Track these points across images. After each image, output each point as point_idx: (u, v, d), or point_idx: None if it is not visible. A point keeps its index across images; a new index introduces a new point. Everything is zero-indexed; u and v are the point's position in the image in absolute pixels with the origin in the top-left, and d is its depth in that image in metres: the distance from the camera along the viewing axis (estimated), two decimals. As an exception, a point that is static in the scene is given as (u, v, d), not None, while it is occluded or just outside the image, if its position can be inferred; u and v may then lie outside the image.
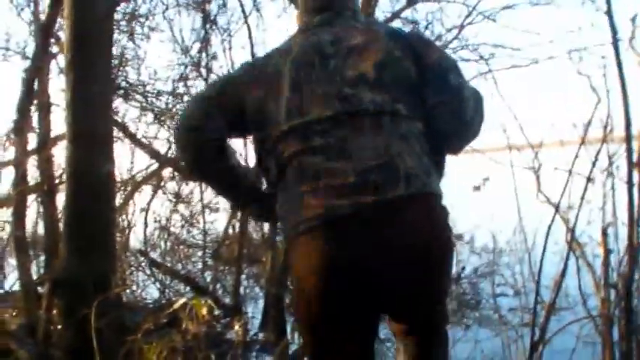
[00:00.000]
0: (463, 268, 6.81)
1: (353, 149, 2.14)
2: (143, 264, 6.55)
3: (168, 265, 6.56)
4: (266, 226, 6.39)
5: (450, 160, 2.41)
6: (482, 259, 7.12)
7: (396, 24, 6.73)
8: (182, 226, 7.15)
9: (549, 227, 3.07)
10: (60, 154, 4.89)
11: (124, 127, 5.89)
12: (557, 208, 3.05)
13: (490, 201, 5.15)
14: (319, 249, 2.07)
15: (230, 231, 6.70)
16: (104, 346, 3.44)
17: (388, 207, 2.07)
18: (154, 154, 6.08)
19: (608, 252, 3.23)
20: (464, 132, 2.41)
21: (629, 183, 3.13)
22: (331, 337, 2.17)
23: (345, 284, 2.07)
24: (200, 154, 2.34)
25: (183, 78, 6.93)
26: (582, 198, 3.15)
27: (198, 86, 6.90)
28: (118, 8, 6.57)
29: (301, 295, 2.17)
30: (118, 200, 6.44)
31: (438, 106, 2.28)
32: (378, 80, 2.23)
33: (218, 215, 7.41)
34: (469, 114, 2.34)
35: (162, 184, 6.78)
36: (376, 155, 2.13)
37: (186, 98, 6.76)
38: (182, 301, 3.80)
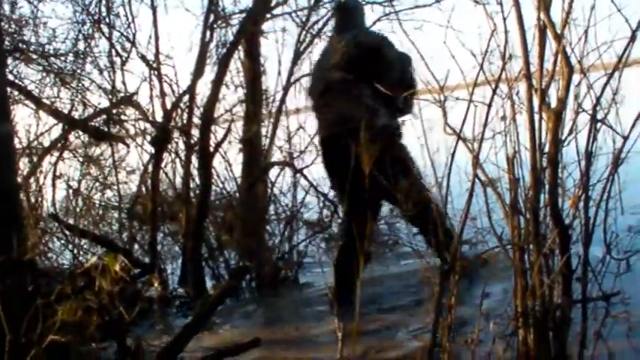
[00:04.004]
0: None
1: (330, 104, 4.98)
2: (57, 230, 6.38)
3: (83, 228, 6.39)
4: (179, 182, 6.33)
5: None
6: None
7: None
8: (93, 187, 6.97)
9: (452, 154, 3.09)
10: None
11: (20, 88, 5.67)
12: (459, 135, 3.06)
13: (409, 141, 5.21)
14: (322, 149, 5.20)
15: (143, 189, 6.57)
16: (11, 310, 3.34)
17: (344, 133, 4.41)
18: (57, 115, 5.89)
19: (514, 179, 3.24)
20: (399, 86, 4.51)
21: (530, 108, 3.15)
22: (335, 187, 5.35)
23: (329, 166, 5.15)
24: None
25: (86, 37, 6.69)
26: (485, 125, 3.16)
27: (100, 45, 6.71)
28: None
29: None
30: (27, 165, 6.26)
31: (379, 73, 4.61)
32: (343, 65, 4.83)
33: (132, 177, 7.25)
34: (396, 75, 4.85)
35: (69, 146, 6.57)
36: (340, 106, 4.85)
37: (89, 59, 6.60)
38: (94, 259, 3.72)
